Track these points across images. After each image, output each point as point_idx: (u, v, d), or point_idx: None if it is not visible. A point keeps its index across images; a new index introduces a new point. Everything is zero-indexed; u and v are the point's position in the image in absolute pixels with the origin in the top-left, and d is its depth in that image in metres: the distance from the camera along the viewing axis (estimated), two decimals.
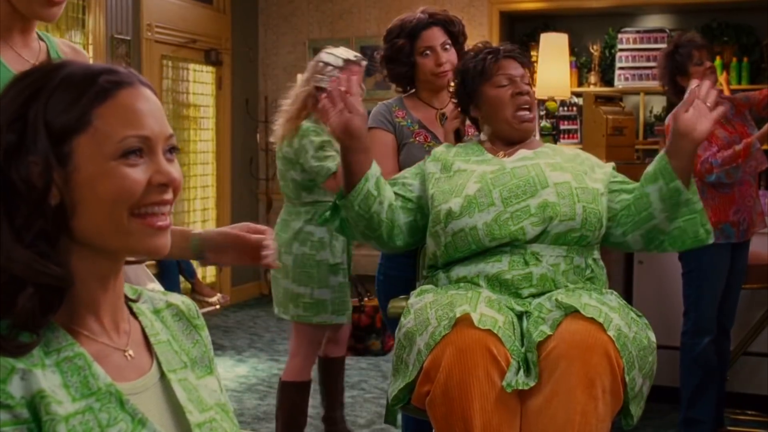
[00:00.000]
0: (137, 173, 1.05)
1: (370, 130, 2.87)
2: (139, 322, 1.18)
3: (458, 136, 2.69)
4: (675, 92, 3.68)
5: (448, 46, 2.82)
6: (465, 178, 2.30)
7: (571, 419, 1.96)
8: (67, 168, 1.04)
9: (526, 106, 2.40)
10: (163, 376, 1.15)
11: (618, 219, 2.34)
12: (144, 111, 1.08)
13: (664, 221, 2.25)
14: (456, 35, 2.84)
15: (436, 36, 2.81)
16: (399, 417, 2.76)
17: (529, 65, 2.48)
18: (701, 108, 2.16)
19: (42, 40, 1.79)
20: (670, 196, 2.21)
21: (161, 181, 1.07)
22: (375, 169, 2.29)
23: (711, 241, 2.28)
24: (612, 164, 2.46)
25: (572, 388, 1.97)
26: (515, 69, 2.43)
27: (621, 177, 2.41)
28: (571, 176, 2.30)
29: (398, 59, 2.83)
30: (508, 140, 2.43)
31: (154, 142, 1.07)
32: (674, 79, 3.64)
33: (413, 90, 2.92)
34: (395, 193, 2.39)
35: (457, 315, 2.03)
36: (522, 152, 2.39)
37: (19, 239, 1.02)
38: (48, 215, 1.03)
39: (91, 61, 1.90)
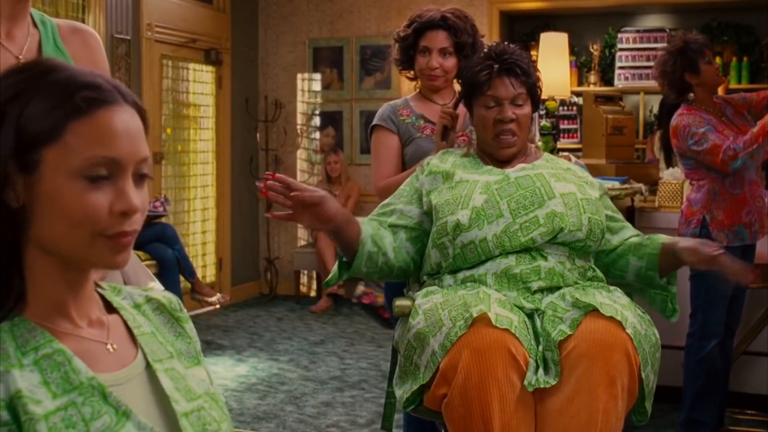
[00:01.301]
0: (99, 197, 1.04)
1: (374, 130, 2.89)
2: (121, 317, 1.17)
3: (445, 134, 2.68)
4: (680, 91, 3.61)
5: (447, 53, 2.81)
6: (469, 188, 2.29)
7: (594, 418, 1.98)
8: (33, 176, 1.04)
9: (507, 134, 2.36)
10: (148, 366, 1.15)
11: (596, 256, 2.40)
12: (119, 132, 1.06)
13: (633, 285, 2.40)
14: (462, 45, 2.81)
15: (439, 40, 2.80)
16: (397, 418, 2.76)
17: (528, 79, 2.37)
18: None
19: (36, 27, 1.67)
20: (645, 278, 2.34)
21: (122, 208, 1.05)
22: (366, 229, 2.27)
23: (674, 320, 2.38)
24: (603, 186, 2.45)
25: (594, 387, 1.99)
26: (506, 89, 2.34)
27: (611, 207, 2.43)
28: (575, 187, 2.31)
29: (402, 47, 2.89)
30: (492, 157, 2.41)
31: (122, 164, 1.06)
32: (682, 77, 3.56)
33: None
34: (395, 225, 2.36)
35: (474, 315, 2.02)
36: (521, 165, 2.38)
37: None
38: (7, 218, 1.04)
39: (101, 44, 1.83)
